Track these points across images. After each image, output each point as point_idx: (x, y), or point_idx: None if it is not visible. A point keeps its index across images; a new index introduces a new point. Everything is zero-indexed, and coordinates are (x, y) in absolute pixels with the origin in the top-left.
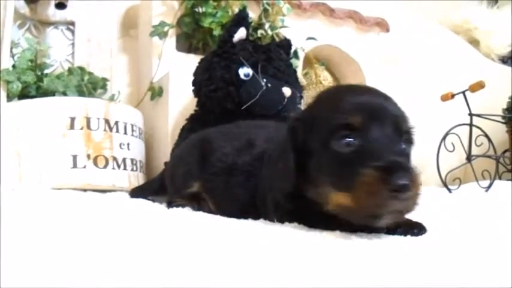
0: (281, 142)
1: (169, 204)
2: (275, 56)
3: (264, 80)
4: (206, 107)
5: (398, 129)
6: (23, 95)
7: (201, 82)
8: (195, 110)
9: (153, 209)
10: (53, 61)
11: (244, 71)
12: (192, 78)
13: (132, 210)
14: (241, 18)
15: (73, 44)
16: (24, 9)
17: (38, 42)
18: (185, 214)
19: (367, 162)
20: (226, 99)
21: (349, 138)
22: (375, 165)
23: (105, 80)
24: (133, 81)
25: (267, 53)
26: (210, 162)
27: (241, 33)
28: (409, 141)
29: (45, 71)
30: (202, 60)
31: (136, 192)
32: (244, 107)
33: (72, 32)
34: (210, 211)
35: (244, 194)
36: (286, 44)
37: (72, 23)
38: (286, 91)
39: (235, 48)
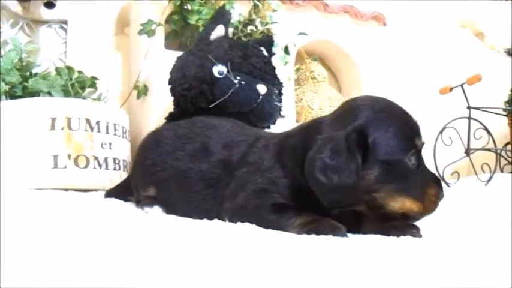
0: (339, 141)
1: (138, 203)
2: (252, 53)
3: (238, 77)
4: (181, 106)
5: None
6: (10, 95)
7: (176, 81)
8: (174, 109)
9: (117, 209)
10: (45, 60)
11: (219, 69)
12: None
13: (98, 211)
14: (220, 16)
15: (66, 43)
16: (17, 8)
17: (31, 41)
18: (149, 215)
19: (426, 179)
20: (199, 98)
21: (413, 156)
22: (435, 181)
23: (94, 79)
24: (125, 80)
25: (243, 50)
26: (162, 166)
27: (219, 31)
28: None
29: (36, 71)
30: (178, 58)
31: (111, 193)
32: (213, 104)
33: (65, 30)
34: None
35: (204, 202)
36: (268, 40)
37: (65, 22)
38: (261, 88)
39: (211, 46)
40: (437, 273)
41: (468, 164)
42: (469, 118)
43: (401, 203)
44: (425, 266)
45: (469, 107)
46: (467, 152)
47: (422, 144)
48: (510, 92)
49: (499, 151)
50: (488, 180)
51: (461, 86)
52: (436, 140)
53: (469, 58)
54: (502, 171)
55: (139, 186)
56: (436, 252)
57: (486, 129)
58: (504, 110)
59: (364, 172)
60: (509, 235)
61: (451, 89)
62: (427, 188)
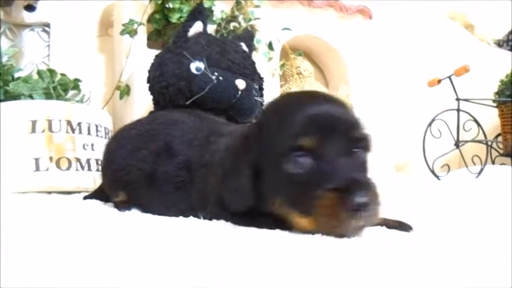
0: (232, 155)
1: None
2: (230, 48)
3: (216, 73)
4: (160, 104)
5: (352, 140)
6: None
7: (154, 79)
8: (154, 108)
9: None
10: (29, 63)
11: (196, 65)
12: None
13: (84, 213)
14: (197, 12)
15: (49, 46)
16: None
17: (13, 45)
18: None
19: (323, 184)
20: (177, 95)
21: (302, 158)
22: (333, 187)
23: (77, 81)
24: (109, 81)
25: (221, 45)
26: (127, 168)
27: (197, 27)
28: (365, 149)
29: (18, 74)
30: (156, 56)
31: (91, 197)
32: (189, 101)
33: (48, 33)
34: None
35: (174, 206)
36: (247, 36)
37: (48, 25)
38: (240, 84)
39: (188, 42)
40: (433, 272)
41: (458, 157)
42: (458, 110)
43: (291, 218)
44: (421, 264)
45: (457, 99)
46: (457, 144)
47: (314, 143)
48: (500, 83)
49: (489, 143)
50: (479, 173)
51: (449, 77)
52: (425, 133)
53: (459, 50)
54: (493, 163)
55: (109, 192)
56: (431, 249)
57: (476, 120)
58: (494, 101)
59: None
60: (506, 229)
61: (439, 81)
62: (320, 199)
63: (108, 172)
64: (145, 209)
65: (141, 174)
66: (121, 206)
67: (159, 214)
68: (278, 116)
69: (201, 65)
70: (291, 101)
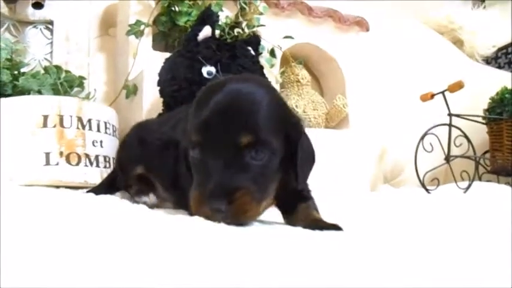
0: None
1: (126, 189)
2: (240, 53)
3: None
4: (171, 107)
5: (239, 145)
6: (0, 93)
7: (165, 82)
8: (163, 110)
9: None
10: (32, 60)
11: (208, 70)
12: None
13: (95, 208)
14: (206, 17)
15: (51, 43)
16: (3, 9)
17: (17, 41)
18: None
19: (198, 182)
20: (189, 99)
21: (195, 152)
22: (199, 189)
23: (82, 78)
24: (110, 80)
25: (231, 50)
26: (148, 143)
27: (206, 32)
28: (262, 152)
29: (23, 70)
30: (166, 59)
31: (97, 191)
32: None
33: (51, 31)
34: (156, 195)
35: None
36: (254, 40)
37: (51, 22)
38: None
39: (199, 46)
40: (429, 275)
41: (448, 171)
42: (450, 125)
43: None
44: (419, 268)
45: (449, 114)
46: (447, 159)
47: (200, 140)
48: (490, 101)
49: (478, 159)
50: (467, 188)
51: (443, 93)
52: (417, 146)
53: (449, 66)
54: (480, 179)
55: (124, 169)
56: (412, 255)
57: (466, 136)
58: (484, 118)
59: None
60: (498, 240)
61: (432, 96)
62: (192, 194)
63: (126, 150)
64: (160, 180)
65: (158, 144)
66: (139, 191)
67: (172, 183)
68: (193, 106)
69: (213, 69)
70: (203, 95)
